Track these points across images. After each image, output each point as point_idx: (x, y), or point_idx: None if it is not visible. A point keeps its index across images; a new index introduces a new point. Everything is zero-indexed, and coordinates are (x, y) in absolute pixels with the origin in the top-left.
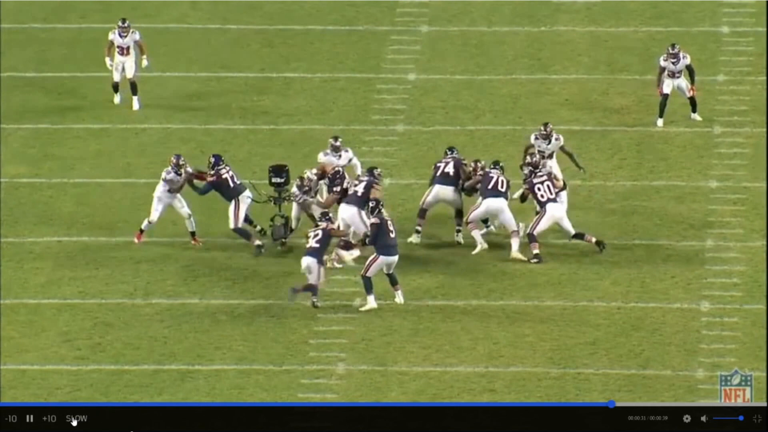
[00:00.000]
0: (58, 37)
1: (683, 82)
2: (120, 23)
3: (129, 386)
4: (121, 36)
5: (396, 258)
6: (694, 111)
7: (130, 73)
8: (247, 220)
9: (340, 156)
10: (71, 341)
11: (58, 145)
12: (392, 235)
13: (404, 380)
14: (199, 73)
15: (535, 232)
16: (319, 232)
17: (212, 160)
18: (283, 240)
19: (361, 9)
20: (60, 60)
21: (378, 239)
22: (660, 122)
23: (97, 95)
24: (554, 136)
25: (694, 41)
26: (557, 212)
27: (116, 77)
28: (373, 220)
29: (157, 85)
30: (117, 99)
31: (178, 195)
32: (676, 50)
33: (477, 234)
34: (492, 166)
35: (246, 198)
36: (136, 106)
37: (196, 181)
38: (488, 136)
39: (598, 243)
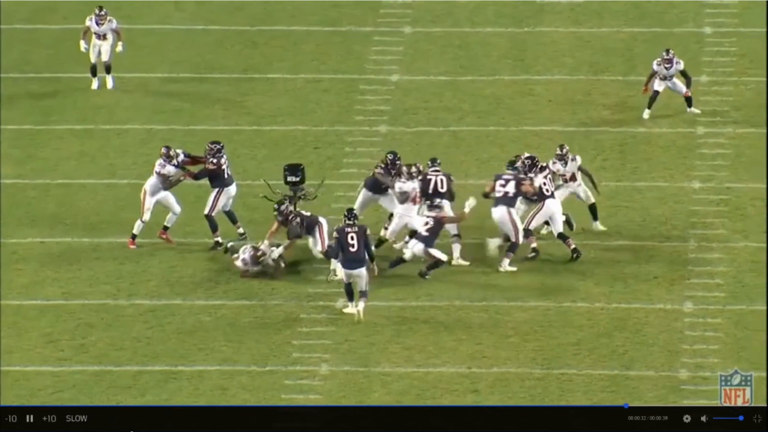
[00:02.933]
0: (42, 38)
1: (677, 83)
2: (97, 11)
3: (112, 387)
4: (98, 24)
5: (356, 271)
6: (690, 106)
7: (105, 57)
8: (232, 219)
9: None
10: (54, 342)
11: (41, 146)
12: (352, 249)
13: (387, 381)
14: (183, 73)
15: (531, 227)
16: (431, 220)
17: (214, 147)
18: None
19: (344, 10)
20: (43, 61)
21: (338, 252)
22: (647, 114)
23: (80, 96)
24: (570, 156)
25: (677, 42)
26: (554, 207)
27: (93, 59)
28: (334, 234)
29: (140, 85)
30: (95, 84)
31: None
32: (670, 55)
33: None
34: (429, 165)
35: (231, 192)
36: (110, 84)
37: (189, 167)
38: (471, 137)
39: (574, 251)
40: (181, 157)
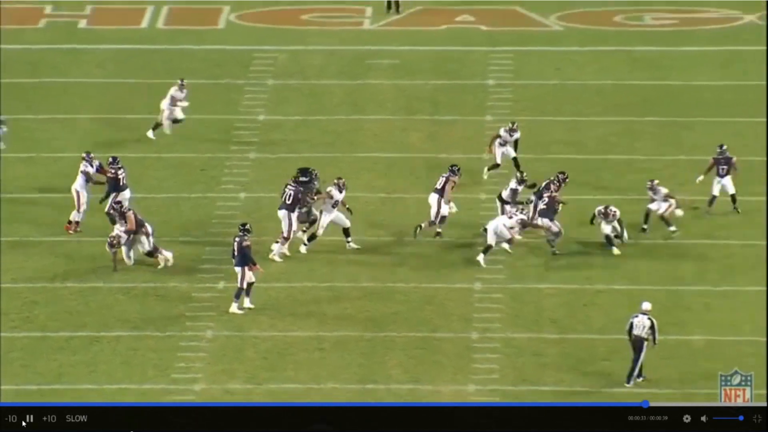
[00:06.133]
0: None
1: (510, 149)
2: (180, 82)
3: (50, 348)
4: (181, 90)
5: (236, 269)
6: (517, 166)
7: (181, 115)
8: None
9: (341, 192)
10: (7, 315)
11: None
12: (234, 254)
13: (257, 342)
14: (104, 114)
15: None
16: (546, 198)
17: (111, 160)
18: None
19: (224, 67)
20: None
21: (232, 254)
22: (486, 174)
23: (23, 132)
24: (612, 212)
25: (468, 91)
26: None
27: (167, 125)
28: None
29: (71, 124)
30: (150, 134)
31: (87, 190)
32: (515, 126)
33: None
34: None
35: (125, 196)
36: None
37: (98, 175)
38: (321, 162)
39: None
40: (97, 163)
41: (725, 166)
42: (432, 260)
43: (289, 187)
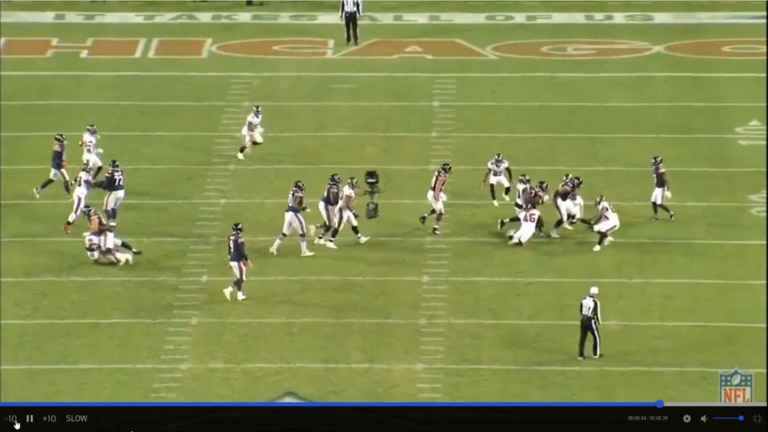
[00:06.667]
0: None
1: (503, 178)
2: (255, 108)
3: (58, 333)
4: (257, 116)
5: (231, 263)
6: (506, 193)
7: (260, 138)
8: (114, 213)
9: (353, 189)
10: (21, 305)
11: (12, 182)
12: (230, 250)
13: (235, 327)
14: (103, 132)
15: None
16: (526, 186)
17: (111, 163)
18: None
19: (206, 91)
20: (12, 124)
21: (228, 250)
22: (495, 203)
23: (39, 148)
24: (605, 205)
25: (416, 111)
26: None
27: (248, 144)
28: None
29: (75, 141)
30: (240, 156)
31: (86, 197)
32: (500, 158)
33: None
34: (293, 186)
35: (119, 195)
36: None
37: (97, 180)
38: (292, 173)
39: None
40: (90, 174)
41: (654, 175)
42: (386, 257)
43: (293, 190)
